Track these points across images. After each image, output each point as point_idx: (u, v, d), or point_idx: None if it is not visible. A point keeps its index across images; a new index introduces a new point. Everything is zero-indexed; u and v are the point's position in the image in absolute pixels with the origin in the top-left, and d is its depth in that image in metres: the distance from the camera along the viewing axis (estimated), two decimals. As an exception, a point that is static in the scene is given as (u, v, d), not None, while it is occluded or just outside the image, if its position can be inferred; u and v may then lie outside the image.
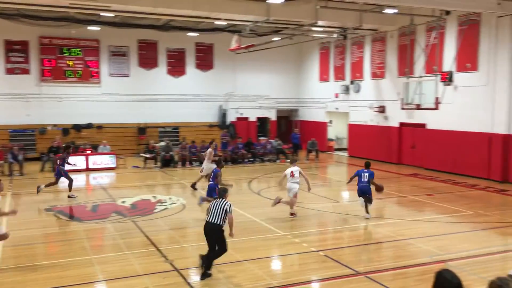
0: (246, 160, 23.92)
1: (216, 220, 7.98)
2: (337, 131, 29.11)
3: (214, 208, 8.10)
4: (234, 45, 23.11)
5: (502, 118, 17.79)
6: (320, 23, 20.13)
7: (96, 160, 21.58)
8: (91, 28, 23.93)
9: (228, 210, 8.04)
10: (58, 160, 15.50)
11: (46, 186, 15.03)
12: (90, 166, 21.22)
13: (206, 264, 8.05)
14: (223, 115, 28.37)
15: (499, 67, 17.76)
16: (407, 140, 22.70)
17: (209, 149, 16.54)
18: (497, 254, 9.60)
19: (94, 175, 20.22)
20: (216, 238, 8.07)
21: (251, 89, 29.31)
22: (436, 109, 18.33)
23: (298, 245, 10.12)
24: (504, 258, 9.49)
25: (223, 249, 8.13)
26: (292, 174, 12.30)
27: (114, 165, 21.75)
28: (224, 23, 22.05)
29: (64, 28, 23.75)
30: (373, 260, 9.33)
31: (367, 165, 12.57)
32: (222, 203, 8.10)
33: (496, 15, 17.50)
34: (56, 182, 15.20)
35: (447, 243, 10.30)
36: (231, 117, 28.86)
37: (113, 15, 20.18)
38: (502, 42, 17.61)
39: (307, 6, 19.11)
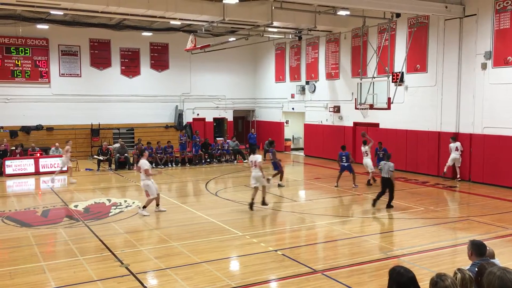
0: (203, 161, 23.76)
1: (386, 175, 13.09)
2: (293, 131, 29.44)
3: (384, 168, 13.12)
4: (189, 45, 22.92)
5: (450, 117, 18.53)
6: (275, 23, 20.27)
7: (47, 163, 20.81)
8: (40, 26, 23.10)
9: (390, 168, 13.00)
10: None
11: None
12: (41, 170, 20.46)
13: (389, 204, 13.38)
14: (180, 116, 28.04)
15: (447, 68, 18.48)
16: (361, 140, 23.11)
17: (371, 144, 17.96)
18: (447, 248, 9.97)
19: (44, 178, 19.50)
20: (388, 186, 13.19)
21: (207, 90, 29.15)
22: (388, 109, 18.85)
23: (256, 245, 10.14)
24: (453, 252, 9.85)
25: (392, 191, 13.27)
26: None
27: (65, 168, 20.99)
28: (178, 22, 21.80)
29: (10, 27, 22.81)
30: (330, 258, 9.47)
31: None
32: (388, 165, 13.05)
33: (444, 18, 18.21)
34: None
35: (400, 239, 10.61)
36: (187, 118, 28.59)
37: (63, 13, 19.54)
38: (449, 44, 18.33)
39: (262, 7, 19.21)
